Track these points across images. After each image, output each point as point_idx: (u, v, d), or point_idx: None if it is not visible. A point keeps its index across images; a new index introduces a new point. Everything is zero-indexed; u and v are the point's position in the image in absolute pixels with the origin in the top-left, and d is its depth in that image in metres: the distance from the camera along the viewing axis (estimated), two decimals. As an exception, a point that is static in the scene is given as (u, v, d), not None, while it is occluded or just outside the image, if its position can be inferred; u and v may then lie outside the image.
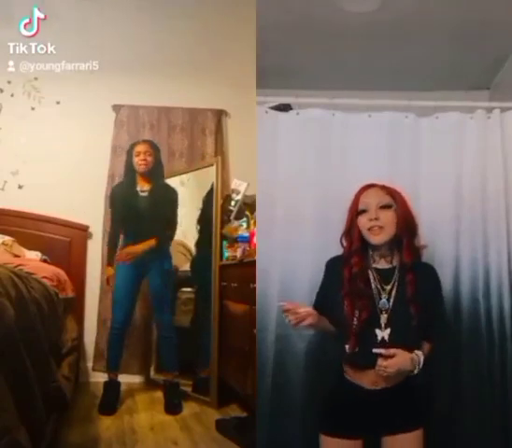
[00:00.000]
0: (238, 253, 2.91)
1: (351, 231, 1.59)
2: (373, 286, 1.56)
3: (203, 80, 3.66)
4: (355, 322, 1.50)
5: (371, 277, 1.57)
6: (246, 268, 2.52)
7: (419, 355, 1.50)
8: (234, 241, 3.04)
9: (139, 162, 2.94)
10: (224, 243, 3.10)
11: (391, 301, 1.54)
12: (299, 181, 2.01)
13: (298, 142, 2.03)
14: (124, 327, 2.92)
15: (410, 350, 1.49)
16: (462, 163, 2.01)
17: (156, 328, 3.15)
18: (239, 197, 3.28)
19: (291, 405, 1.93)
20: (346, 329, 1.52)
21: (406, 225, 1.56)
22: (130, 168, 2.99)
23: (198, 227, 3.31)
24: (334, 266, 1.64)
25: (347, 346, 1.52)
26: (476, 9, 2.73)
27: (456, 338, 1.88)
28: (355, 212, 1.59)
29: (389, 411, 1.51)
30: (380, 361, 1.46)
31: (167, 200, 3.00)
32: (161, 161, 3.06)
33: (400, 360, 1.46)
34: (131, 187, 2.98)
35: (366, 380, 1.52)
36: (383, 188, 1.60)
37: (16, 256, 3.05)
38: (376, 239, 1.55)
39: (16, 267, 2.36)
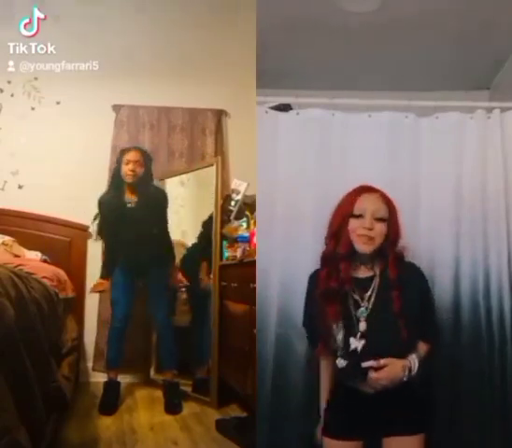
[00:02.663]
0: (238, 253, 2.91)
1: (340, 234, 1.52)
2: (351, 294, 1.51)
3: (203, 80, 3.65)
4: (335, 333, 1.48)
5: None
6: (246, 268, 2.52)
7: (413, 359, 1.48)
8: (234, 241, 3.04)
9: (127, 172, 2.88)
10: (224, 243, 3.10)
11: (369, 310, 1.49)
12: (299, 181, 2.01)
13: (298, 142, 2.03)
14: (124, 325, 2.92)
15: (400, 357, 1.47)
16: (462, 163, 2.01)
17: (155, 326, 3.15)
18: (239, 197, 3.28)
19: (291, 407, 1.93)
20: (327, 342, 1.50)
21: (394, 239, 1.53)
22: (117, 176, 2.94)
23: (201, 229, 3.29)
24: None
25: (337, 362, 1.49)
26: (476, 10, 2.74)
27: (456, 339, 1.88)
28: (348, 214, 1.52)
29: (388, 413, 1.49)
30: (371, 373, 1.44)
31: (156, 207, 2.95)
32: (151, 170, 2.99)
33: (392, 370, 1.45)
34: (118, 197, 2.91)
35: (363, 386, 1.49)
36: (382, 196, 1.55)
37: (16, 256, 3.05)
38: (364, 248, 1.50)
39: (16, 267, 2.36)
